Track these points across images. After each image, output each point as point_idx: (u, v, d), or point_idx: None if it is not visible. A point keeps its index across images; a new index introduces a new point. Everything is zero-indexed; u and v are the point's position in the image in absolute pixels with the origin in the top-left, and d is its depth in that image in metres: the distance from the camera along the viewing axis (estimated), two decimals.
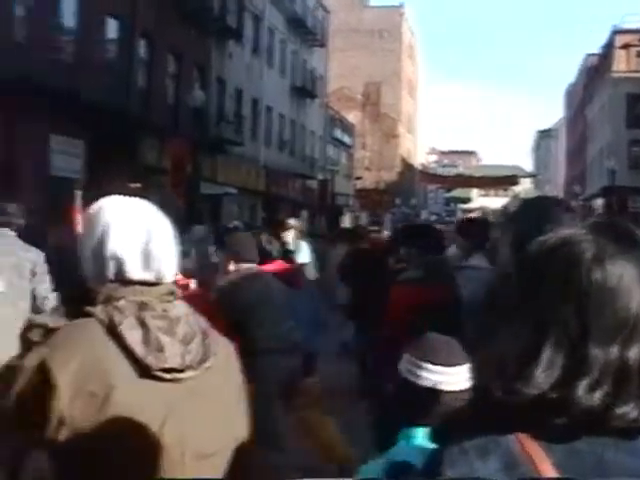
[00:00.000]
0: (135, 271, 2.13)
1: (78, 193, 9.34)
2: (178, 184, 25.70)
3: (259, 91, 41.07)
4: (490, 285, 1.50)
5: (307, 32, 49.72)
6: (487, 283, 1.77)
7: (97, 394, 1.94)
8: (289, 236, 10.75)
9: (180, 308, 2.17)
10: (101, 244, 2.14)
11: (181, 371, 2.06)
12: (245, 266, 6.04)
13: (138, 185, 21.09)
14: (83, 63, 22.14)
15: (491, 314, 1.39)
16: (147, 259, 2.14)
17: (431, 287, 5.25)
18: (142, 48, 27.45)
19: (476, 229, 6.27)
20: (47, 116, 19.63)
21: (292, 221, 11.94)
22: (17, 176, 18.92)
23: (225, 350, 2.26)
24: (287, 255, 8.79)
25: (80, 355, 1.97)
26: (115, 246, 2.13)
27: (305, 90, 49.00)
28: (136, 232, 2.15)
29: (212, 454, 2.12)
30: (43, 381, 1.92)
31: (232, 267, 6.02)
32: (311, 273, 11.38)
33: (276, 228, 10.93)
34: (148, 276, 2.14)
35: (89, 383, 1.94)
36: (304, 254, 11.36)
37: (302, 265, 10.53)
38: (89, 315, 2.05)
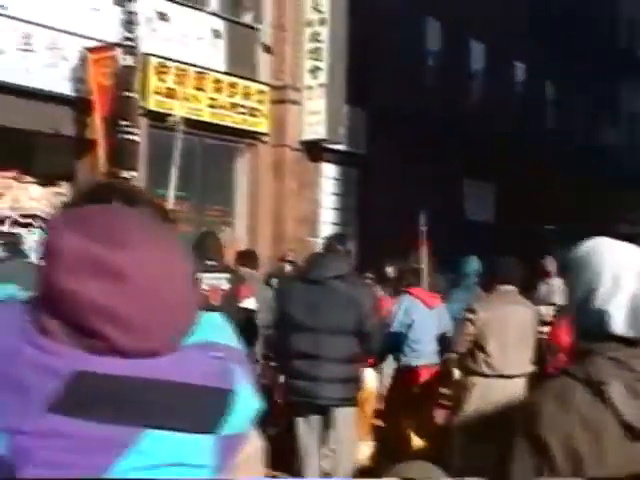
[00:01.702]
0: (619, 326, 1.97)
1: (424, 228, 9.40)
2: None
3: None
4: None
5: None
6: None
7: (587, 456, 1.87)
8: None
9: None
10: (588, 292, 2.00)
11: None
12: None
13: (551, 227, 20.61)
14: (492, 107, 22.28)
15: None
16: (635, 314, 1.96)
17: None
18: (549, 88, 27.27)
19: None
20: (460, 159, 19.85)
21: None
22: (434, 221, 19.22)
23: None
24: None
25: (569, 416, 1.90)
26: (603, 296, 1.98)
27: None
28: (628, 282, 1.97)
29: None
30: (532, 436, 1.92)
31: None
32: None
33: None
34: (630, 333, 1.97)
35: (580, 444, 1.87)
36: None
37: None
38: (567, 372, 2.01)
